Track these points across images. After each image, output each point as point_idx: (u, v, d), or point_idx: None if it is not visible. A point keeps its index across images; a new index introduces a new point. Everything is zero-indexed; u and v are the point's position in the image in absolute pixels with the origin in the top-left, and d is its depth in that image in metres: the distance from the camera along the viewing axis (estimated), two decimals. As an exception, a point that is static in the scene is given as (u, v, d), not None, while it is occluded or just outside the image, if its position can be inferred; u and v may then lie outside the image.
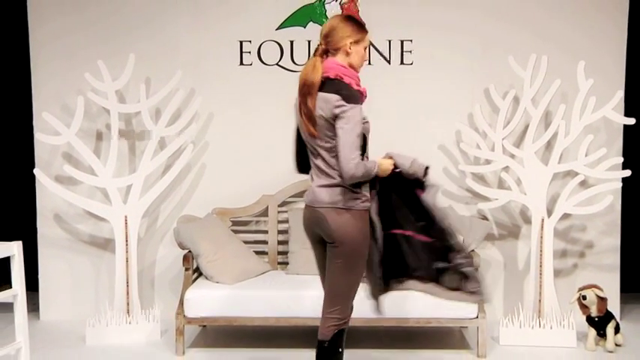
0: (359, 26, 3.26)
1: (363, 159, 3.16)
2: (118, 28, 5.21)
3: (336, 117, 3.07)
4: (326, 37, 3.22)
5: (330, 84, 3.13)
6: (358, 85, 3.21)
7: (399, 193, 3.32)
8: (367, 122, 3.22)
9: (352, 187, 3.16)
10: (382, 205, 3.30)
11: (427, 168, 3.31)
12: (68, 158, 5.20)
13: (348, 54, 3.22)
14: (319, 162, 3.21)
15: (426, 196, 3.32)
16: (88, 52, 5.14)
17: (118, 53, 5.06)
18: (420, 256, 3.27)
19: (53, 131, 4.89)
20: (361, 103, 3.15)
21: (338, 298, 3.27)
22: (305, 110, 3.16)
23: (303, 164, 3.45)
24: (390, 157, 3.31)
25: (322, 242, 3.30)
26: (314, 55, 3.26)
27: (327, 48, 3.23)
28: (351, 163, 3.04)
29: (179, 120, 5.03)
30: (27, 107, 5.30)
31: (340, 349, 3.28)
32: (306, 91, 3.15)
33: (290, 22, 5.21)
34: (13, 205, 6.00)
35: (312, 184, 3.29)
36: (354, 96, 3.11)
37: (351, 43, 3.20)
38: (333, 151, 3.14)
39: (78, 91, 5.00)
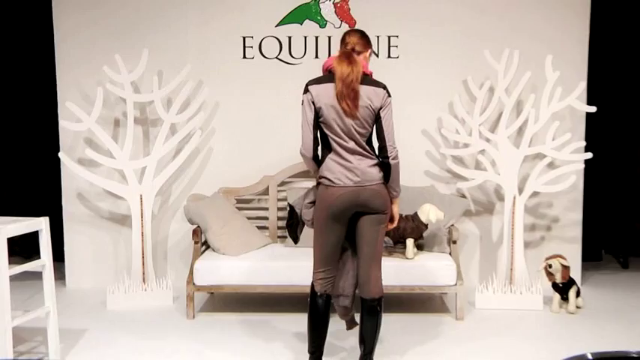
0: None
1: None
2: (133, 26, 5.20)
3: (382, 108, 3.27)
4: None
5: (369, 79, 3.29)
6: None
7: None
8: None
9: None
10: None
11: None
12: (89, 143, 5.21)
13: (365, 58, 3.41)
14: (354, 145, 3.26)
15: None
16: (106, 47, 5.14)
17: (133, 48, 5.07)
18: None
19: (76, 119, 4.91)
20: None
21: (380, 257, 3.42)
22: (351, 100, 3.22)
23: (316, 150, 3.43)
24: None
25: (352, 218, 3.35)
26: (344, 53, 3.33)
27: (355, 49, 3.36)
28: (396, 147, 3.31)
29: (188, 108, 5.03)
30: (52, 97, 5.31)
31: None
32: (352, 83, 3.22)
33: (288, 19, 5.21)
34: (40, 185, 6.00)
35: (358, 165, 3.27)
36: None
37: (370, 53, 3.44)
38: (366, 135, 3.29)
39: (97, 82, 5.01)
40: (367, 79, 3.27)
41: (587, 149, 4.86)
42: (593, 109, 4.78)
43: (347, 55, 3.27)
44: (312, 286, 3.48)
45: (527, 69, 4.82)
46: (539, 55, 4.92)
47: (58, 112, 5.22)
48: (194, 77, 5.13)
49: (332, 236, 3.37)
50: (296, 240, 3.76)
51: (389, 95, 3.29)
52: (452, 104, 5.14)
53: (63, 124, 5.05)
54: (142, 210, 4.90)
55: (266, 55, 5.24)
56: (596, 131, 5.40)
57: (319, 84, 3.27)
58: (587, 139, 5.04)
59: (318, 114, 3.26)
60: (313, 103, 3.24)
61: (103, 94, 4.87)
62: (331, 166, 3.28)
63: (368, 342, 3.40)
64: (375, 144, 3.34)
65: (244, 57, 5.24)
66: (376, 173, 3.30)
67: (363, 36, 3.39)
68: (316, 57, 5.15)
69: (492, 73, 4.93)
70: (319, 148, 3.36)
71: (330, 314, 3.46)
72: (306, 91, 3.28)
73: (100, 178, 5.00)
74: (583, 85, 4.83)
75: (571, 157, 4.81)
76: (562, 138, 4.76)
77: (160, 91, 4.96)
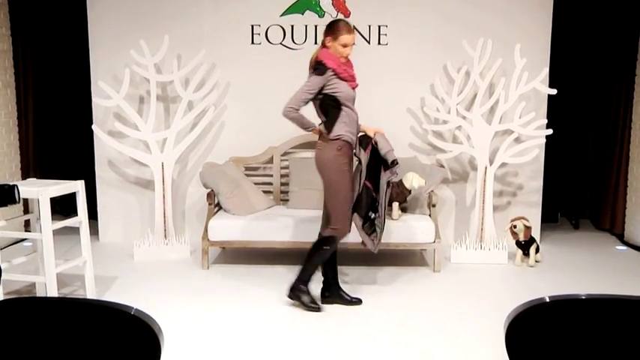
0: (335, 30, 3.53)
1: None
2: (155, 15, 5.15)
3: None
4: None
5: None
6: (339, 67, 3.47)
7: (375, 160, 3.64)
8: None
9: None
10: (368, 164, 3.64)
11: (394, 161, 3.58)
12: (118, 117, 5.19)
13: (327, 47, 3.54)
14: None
15: (383, 174, 3.62)
16: (133, 34, 5.10)
17: (155, 35, 5.03)
18: (365, 201, 3.60)
19: (106, 96, 4.89)
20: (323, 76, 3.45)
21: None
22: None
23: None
24: (378, 133, 3.66)
25: None
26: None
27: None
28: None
29: (203, 87, 5.01)
30: (86, 77, 5.30)
31: None
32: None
33: (291, 10, 5.16)
34: (77, 153, 5.98)
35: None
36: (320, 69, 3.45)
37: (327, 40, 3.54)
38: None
39: (125, 64, 4.98)
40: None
41: (548, 126, 4.87)
42: (554, 91, 4.78)
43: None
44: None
45: (498, 56, 4.80)
46: (508, 44, 4.90)
47: (92, 90, 5.20)
48: (208, 60, 5.10)
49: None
50: None
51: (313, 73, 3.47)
52: (433, 86, 5.12)
53: (95, 100, 5.05)
54: (163, 176, 4.92)
55: (271, 41, 5.21)
56: (556, 111, 5.42)
57: None
58: (548, 117, 5.05)
59: None
60: None
61: (129, 75, 4.85)
62: None
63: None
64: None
65: (252, 43, 5.21)
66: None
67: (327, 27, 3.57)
68: (315, 43, 5.12)
69: (469, 59, 4.91)
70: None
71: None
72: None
73: (127, 147, 5.00)
74: (546, 71, 4.83)
75: (534, 133, 4.82)
76: (527, 116, 4.77)
77: (179, 72, 4.94)
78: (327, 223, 3.62)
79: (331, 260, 3.73)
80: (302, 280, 3.67)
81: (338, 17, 5.03)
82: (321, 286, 3.81)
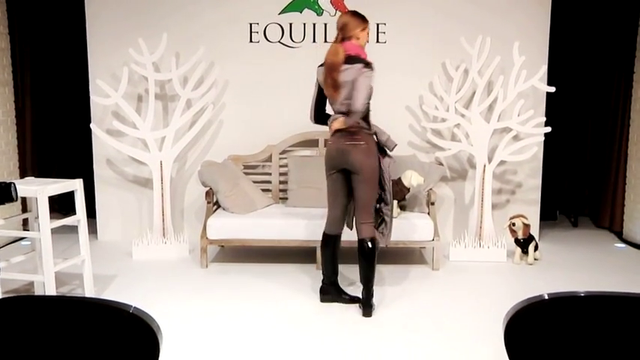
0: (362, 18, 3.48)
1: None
2: (154, 13, 5.14)
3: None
4: (342, 29, 3.42)
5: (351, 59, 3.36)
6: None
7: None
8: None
9: None
10: None
11: (394, 145, 3.58)
12: (116, 115, 5.18)
13: (358, 39, 3.43)
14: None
15: (384, 161, 3.56)
16: (131, 32, 5.09)
17: (154, 33, 5.02)
18: None
19: (105, 94, 4.88)
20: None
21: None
22: (330, 81, 3.36)
23: (318, 116, 3.59)
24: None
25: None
26: (334, 42, 3.44)
27: (343, 36, 3.42)
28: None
29: (202, 85, 5.00)
30: (84, 76, 5.28)
31: None
32: (332, 68, 3.34)
33: (289, 8, 5.15)
34: (75, 152, 5.97)
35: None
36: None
37: (359, 31, 3.43)
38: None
39: (124, 62, 4.97)
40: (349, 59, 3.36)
41: (546, 124, 4.86)
42: (552, 89, 4.77)
43: (334, 48, 3.41)
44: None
45: (497, 53, 4.79)
46: (507, 42, 4.89)
47: (90, 88, 5.19)
48: (207, 58, 5.09)
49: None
50: None
51: (365, 67, 3.34)
52: (432, 84, 5.12)
53: (94, 98, 5.03)
54: (162, 174, 4.92)
55: (270, 40, 5.20)
56: (554, 108, 5.42)
57: (321, 67, 3.49)
58: (547, 115, 5.04)
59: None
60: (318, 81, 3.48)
61: (128, 73, 4.84)
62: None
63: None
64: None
65: (251, 41, 5.20)
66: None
67: (354, 16, 3.47)
68: (314, 41, 5.13)
69: (467, 57, 4.91)
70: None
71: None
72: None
73: (126, 146, 4.99)
74: (544, 68, 4.82)
75: (533, 131, 4.81)
76: (526, 114, 4.76)
77: (178, 71, 4.93)
78: (362, 220, 3.51)
79: (333, 258, 3.71)
80: (372, 294, 3.57)
81: (337, 14, 5.03)
82: (320, 284, 3.80)
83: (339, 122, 3.41)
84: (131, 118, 4.93)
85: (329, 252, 3.69)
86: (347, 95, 3.36)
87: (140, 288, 4.09)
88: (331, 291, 3.76)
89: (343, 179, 3.53)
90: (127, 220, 5.41)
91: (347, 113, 3.39)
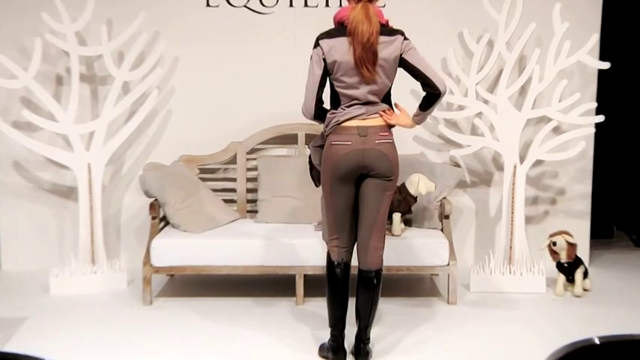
0: None
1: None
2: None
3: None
4: None
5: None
6: None
7: None
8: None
9: None
10: None
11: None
12: (27, 103, 5.14)
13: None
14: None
15: None
16: (46, -8, 5.07)
17: (77, -7, 5.00)
18: None
19: (9, 74, 4.80)
20: None
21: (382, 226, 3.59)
22: (371, 56, 3.32)
23: (319, 110, 3.52)
24: None
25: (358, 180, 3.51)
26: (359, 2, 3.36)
27: None
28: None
29: (143, 64, 4.97)
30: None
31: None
32: (370, 40, 3.29)
33: (258, -39, 5.17)
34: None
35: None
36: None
37: None
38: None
39: (35, 32, 4.91)
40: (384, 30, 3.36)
41: (598, 112, 4.89)
42: (606, 65, 4.77)
43: (365, 9, 3.30)
44: (328, 255, 3.61)
45: (531, 20, 4.80)
46: (545, 4, 4.91)
47: (-10, 67, 5.15)
48: (149, 28, 5.06)
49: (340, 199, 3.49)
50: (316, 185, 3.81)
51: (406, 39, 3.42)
52: (445, 60, 5.14)
53: (-5, 81, 4.99)
54: (90, 181, 4.88)
55: (233, 3, 5.19)
56: (609, 91, 5.44)
57: (331, 38, 3.35)
58: (598, 100, 5.07)
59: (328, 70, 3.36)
60: (325, 59, 3.34)
61: (42, 46, 4.78)
62: None
63: (363, 317, 3.55)
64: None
65: (208, 5, 5.20)
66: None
67: None
68: (291, 5, 5.11)
69: (492, 24, 4.92)
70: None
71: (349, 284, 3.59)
72: (316, 45, 3.35)
73: (41, 144, 4.94)
74: (595, 38, 4.83)
75: (580, 121, 4.82)
76: (570, 99, 4.78)
77: (110, 44, 4.89)
78: (376, 244, 3.53)
79: (345, 298, 3.64)
80: (369, 338, 3.62)
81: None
82: (329, 342, 3.67)
83: (408, 118, 3.63)
84: (47, 107, 4.88)
85: (340, 288, 3.59)
86: (384, 79, 3.40)
87: (58, 335, 4.04)
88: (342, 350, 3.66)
89: (355, 190, 3.53)
90: (43, 243, 5.38)
91: (373, 103, 3.41)
